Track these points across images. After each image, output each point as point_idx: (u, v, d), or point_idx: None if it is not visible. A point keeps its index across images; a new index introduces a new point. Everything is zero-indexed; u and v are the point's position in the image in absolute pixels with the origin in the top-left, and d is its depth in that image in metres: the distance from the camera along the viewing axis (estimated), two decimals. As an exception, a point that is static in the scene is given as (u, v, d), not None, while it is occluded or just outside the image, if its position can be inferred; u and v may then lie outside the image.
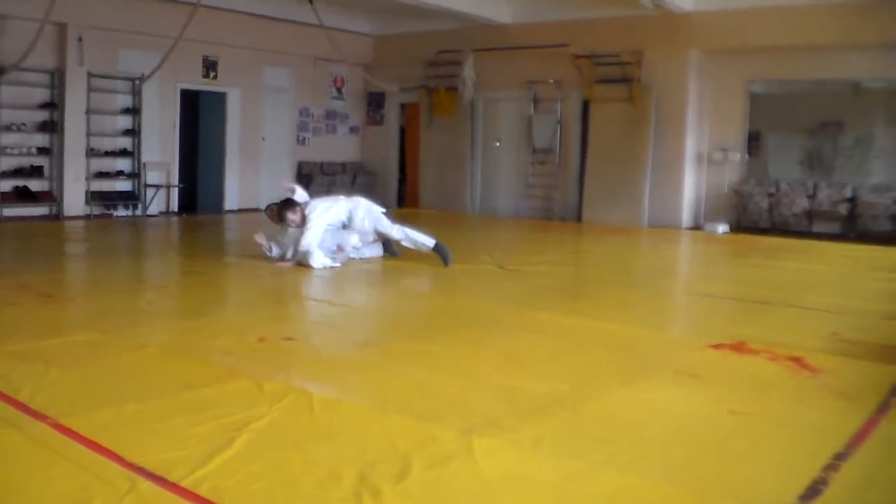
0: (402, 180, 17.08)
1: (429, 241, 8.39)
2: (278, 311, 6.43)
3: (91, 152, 12.90)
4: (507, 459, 3.15)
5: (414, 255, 9.00)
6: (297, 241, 7.99)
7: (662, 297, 7.53)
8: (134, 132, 13.43)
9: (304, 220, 7.99)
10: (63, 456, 3.01)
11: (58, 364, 4.21)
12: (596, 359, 4.83)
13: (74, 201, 12.72)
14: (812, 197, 12.50)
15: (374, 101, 17.23)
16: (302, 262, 7.88)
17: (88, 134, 12.81)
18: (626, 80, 13.51)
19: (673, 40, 13.03)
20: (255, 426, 3.37)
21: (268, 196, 14.91)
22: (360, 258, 8.52)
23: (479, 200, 15.84)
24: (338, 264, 8.01)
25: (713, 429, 3.62)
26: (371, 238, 8.62)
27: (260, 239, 8.28)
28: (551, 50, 14.02)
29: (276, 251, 8.24)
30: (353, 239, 8.37)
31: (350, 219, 8.35)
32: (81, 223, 12.25)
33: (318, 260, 7.82)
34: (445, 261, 8.23)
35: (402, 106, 16.83)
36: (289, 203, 8.16)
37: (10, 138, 12.10)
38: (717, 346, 5.06)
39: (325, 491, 2.80)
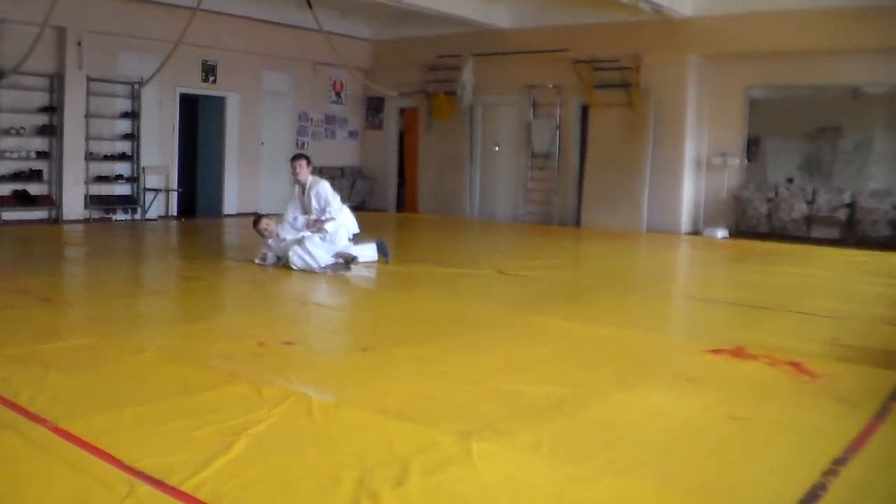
0: (401, 185, 17.09)
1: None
2: (277, 316, 6.43)
3: (90, 156, 12.90)
4: (506, 463, 3.15)
5: (413, 258, 9.01)
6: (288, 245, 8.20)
7: (661, 301, 7.53)
8: (133, 136, 13.43)
9: (276, 230, 8.42)
10: (62, 459, 3.01)
11: (57, 368, 4.21)
12: (595, 363, 4.83)
13: (73, 205, 12.72)
14: (811, 202, 12.52)
15: (374, 106, 17.24)
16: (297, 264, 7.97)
17: (87, 138, 12.82)
18: (625, 85, 13.53)
19: (672, 45, 13.05)
20: (254, 430, 3.36)
21: (266, 200, 14.95)
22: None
23: (477, 205, 15.84)
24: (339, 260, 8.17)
25: (712, 433, 3.62)
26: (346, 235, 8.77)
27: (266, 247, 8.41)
28: (551, 55, 14.04)
29: (270, 258, 8.32)
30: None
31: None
32: (80, 227, 12.25)
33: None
34: (348, 264, 8.24)
35: (402, 110, 16.84)
36: (262, 215, 8.91)
37: (9, 142, 12.09)
38: (716, 351, 5.06)
39: (324, 495, 2.79)
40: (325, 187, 8.74)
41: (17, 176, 12.21)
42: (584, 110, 14.31)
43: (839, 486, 2.99)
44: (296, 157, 9.09)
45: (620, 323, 6.03)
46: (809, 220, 12.54)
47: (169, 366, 4.45)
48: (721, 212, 13.43)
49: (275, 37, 14.89)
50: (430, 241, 12.04)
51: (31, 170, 12.40)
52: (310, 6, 12.00)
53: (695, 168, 13.58)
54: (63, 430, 3.28)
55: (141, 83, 12.96)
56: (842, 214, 12.25)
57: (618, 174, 13.60)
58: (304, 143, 16.26)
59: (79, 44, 12.43)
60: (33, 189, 12.44)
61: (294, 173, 8.94)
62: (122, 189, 13.55)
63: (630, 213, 13.55)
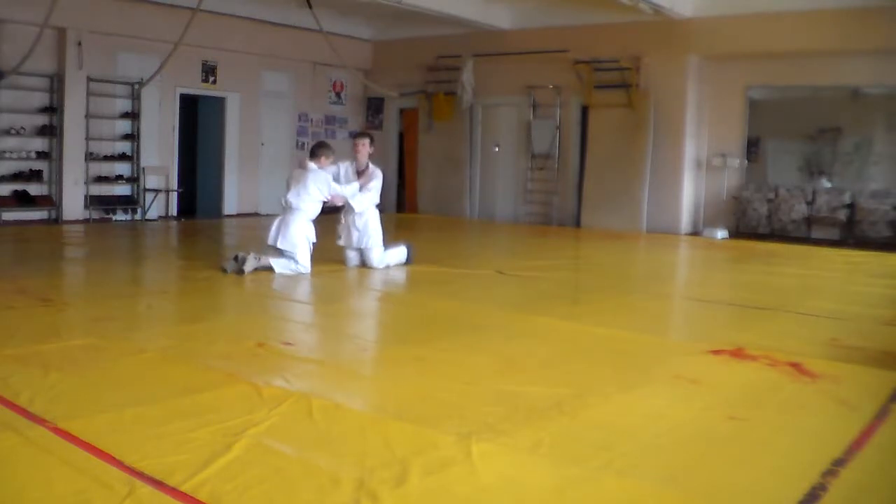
0: (401, 185, 17.07)
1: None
2: (277, 316, 6.43)
3: (90, 156, 12.91)
4: (505, 464, 3.15)
5: (412, 258, 8.99)
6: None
7: (661, 302, 7.53)
8: (133, 136, 13.44)
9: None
10: (62, 460, 3.01)
11: (57, 368, 4.21)
12: (595, 364, 4.83)
13: (73, 205, 12.72)
14: (811, 203, 12.53)
15: (374, 106, 17.24)
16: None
17: (87, 138, 12.82)
18: (625, 86, 13.53)
19: (672, 46, 13.06)
20: (253, 431, 3.36)
21: (267, 200, 14.94)
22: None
23: (477, 205, 15.84)
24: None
25: (712, 434, 3.62)
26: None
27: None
28: (550, 55, 14.05)
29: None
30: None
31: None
32: (80, 227, 12.24)
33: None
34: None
35: (401, 111, 16.84)
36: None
37: (9, 142, 12.09)
38: (716, 352, 5.06)
39: (323, 496, 2.79)
40: (380, 178, 8.88)
41: (17, 176, 12.21)
42: (584, 111, 14.31)
43: (839, 487, 2.99)
44: (360, 135, 9.18)
45: (620, 323, 6.03)
46: (809, 221, 12.55)
47: (169, 366, 4.45)
48: (721, 212, 13.43)
49: (275, 37, 14.89)
50: (429, 241, 12.02)
51: (31, 170, 12.40)
52: (310, 6, 12.00)
53: (695, 168, 13.58)
54: (63, 431, 3.28)
55: (141, 83, 12.96)
56: (841, 215, 12.26)
57: (618, 175, 13.60)
58: (303, 144, 16.25)
59: (79, 44, 12.44)
60: (33, 189, 12.44)
61: (355, 151, 8.98)
62: (122, 189, 13.55)
63: (630, 214, 13.55)
